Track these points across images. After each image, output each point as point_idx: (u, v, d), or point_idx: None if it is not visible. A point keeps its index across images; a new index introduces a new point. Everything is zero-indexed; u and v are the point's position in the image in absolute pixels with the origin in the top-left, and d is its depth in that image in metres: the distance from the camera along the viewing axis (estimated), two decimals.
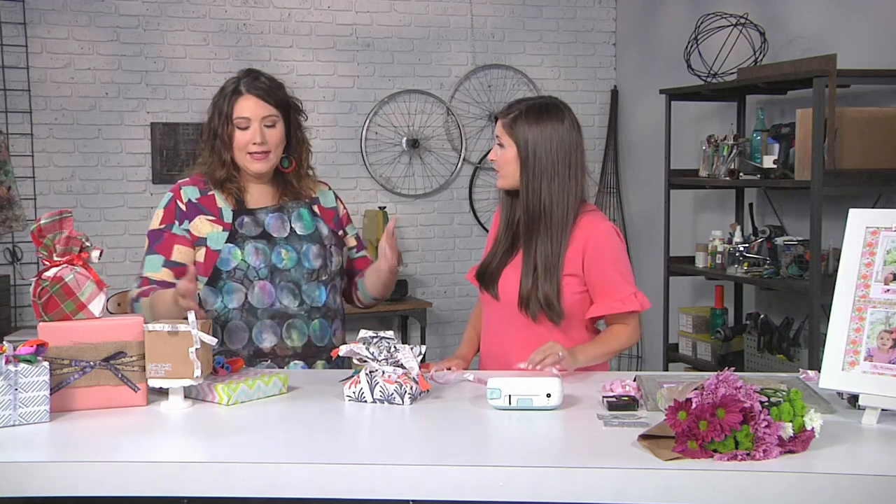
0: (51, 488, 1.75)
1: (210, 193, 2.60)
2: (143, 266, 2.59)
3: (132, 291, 2.58)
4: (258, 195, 2.64)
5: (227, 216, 2.59)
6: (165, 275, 2.55)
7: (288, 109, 2.62)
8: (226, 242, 2.56)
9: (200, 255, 2.56)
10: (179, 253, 2.56)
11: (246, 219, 2.60)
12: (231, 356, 2.51)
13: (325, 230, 2.67)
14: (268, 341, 2.57)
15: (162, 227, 2.59)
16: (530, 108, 2.53)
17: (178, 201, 2.60)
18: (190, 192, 2.61)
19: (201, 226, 2.57)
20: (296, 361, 2.59)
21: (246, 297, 2.55)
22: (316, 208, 2.70)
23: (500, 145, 2.55)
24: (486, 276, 2.61)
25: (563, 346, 2.38)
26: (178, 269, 2.52)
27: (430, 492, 1.71)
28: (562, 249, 2.49)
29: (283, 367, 2.57)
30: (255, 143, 2.54)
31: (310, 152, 2.72)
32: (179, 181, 2.66)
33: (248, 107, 2.55)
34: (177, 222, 2.58)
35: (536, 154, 2.49)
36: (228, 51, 5.62)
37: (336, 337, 2.66)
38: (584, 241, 2.50)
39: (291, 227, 2.63)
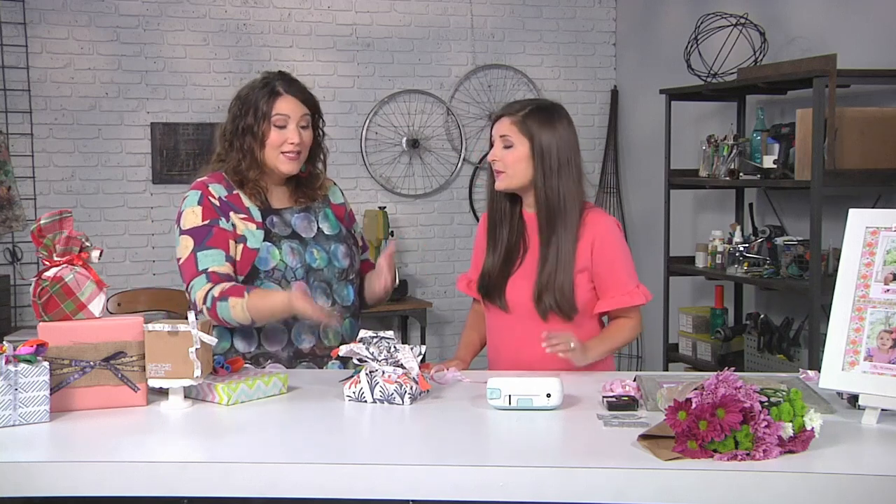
0: (51, 488, 1.75)
1: (235, 192, 2.57)
2: (195, 263, 2.47)
3: (213, 290, 2.44)
4: (278, 196, 2.63)
5: (257, 215, 2.56)
6: (229, 268, 2.48)
7: (316, 115, 2.64)
8: (263, 241, 2.53)
9: (238, 252, 2.52)
10: (233, 248, 2.51)
11: (275, 218, 2.58)
12: (269, 358, 2.52)
13: (344, 230, 2.70)
14: (307, 342, 2.56)
15: (207, 222, 2.50)
16: (539, 107, 2.55)
17: (209, 198, 2.53)
18: (218, 190, 2.55)
19: (237, 223, 2.53)
20: (333, 361, 2.58)
21: None
22: (329, 207, 2.72)
23: (508, 145, 2.53)
24: (490, 288, 2.61)
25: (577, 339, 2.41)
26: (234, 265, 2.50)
27: (430, 492, 1.71)
28: (574, 247, 2.51)
29: (321, 367, 2.58)
30: (291, 143, 2.54)
31: (326, 158, 2.74)
32: (199, 179, 2.58)
33: (287, 106, 2.55)
34: (222, 217, 2.52)
35: (552, 152, 2.50)
36: (228, 51, 5.62)
37: None
38: (591, 236, 2.53)
39: (319, 228, 2.64)
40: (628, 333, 2.59)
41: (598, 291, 2.56)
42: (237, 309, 2.41)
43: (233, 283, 2.46)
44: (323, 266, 2.59)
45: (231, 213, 2.53)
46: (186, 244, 2.50)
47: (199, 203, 2.53)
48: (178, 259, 2.53)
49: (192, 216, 2.52)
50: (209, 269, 2.47)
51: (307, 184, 2.67)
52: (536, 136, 2.50)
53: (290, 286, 2.53)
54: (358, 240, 2.79)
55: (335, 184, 2.80)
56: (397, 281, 2.67)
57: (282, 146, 2.54)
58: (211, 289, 2.44)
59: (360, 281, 2.79)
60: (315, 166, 2.69)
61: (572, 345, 2.35)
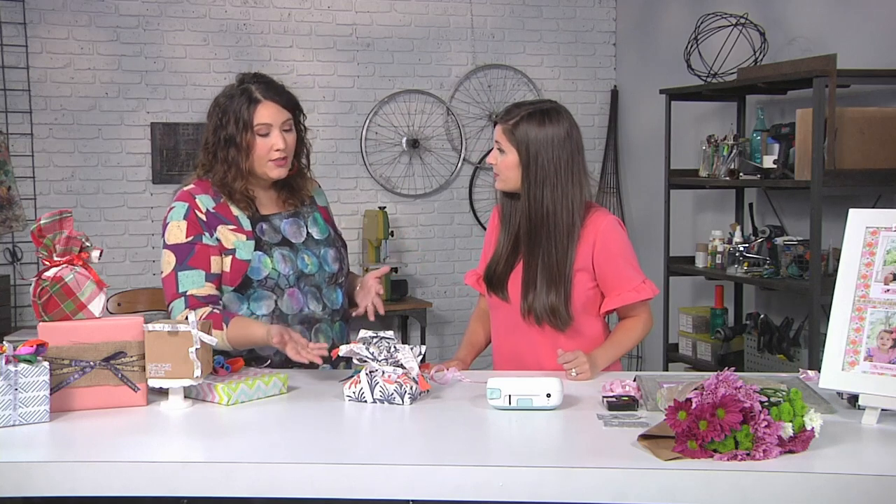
0: (51, 488, 1.75)
1: (223, 202, 2.55)
2: (175, 283, 2.47)
3: (189, 316, 2.38)
4: (266, 201, 2.62)
5: (246, 224, 2.54)
6: (209, 289, 2.48)
7: (297, 113, 2.61)
8: (254, 251, 2.52)
9: (227, 264, 2.51)
10: (216, 264, 2.50)
11: (265, 226, 2.57)
12: (262, 362, 2.51)
13: (332, 233, 2.70)
14: None
15: (190, 239, 2.49)
16: (531, 113, 2.51)
17: (196, 211, 2.51)
18: (205, 202, 2.53)
19: (225, 236, 2.52)
20: (324, 365, 2.56)
21: (276, 304, 2.53)
22: (318, 211, 2.71)
23: (501, 150, 2.54)
24: (495, 280, 2.61)
25: (583, 352, 2.43)
26: (217, 281, 2.50)
27: (430, 492, 1.71)
28: (568, 255, 2.51)
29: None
30: (277, 150, 2.51)
31: (310, 154, 2.72)
32: (186, 189, 2.56)
33: (269, 113, 2.51)
34: (206, 233, 2.50)
35: (538, 161, 2.49)
36: (228, 51, 5.62)
37: (350, 339, 2.65)
38: (591, 238, 2.53)
39: (308, 232, 2.63)
40: (639, 332, 2.60)
41: (603, 290, 2.57)
42: (217, 340, 2.41)
43: (210, 308, 2.45)
44: (314, 271, 2.59)
45: (219, 227, 2.52)
46: (168, 260, 2.50)
47: (185, 217, 2.51)
48: (161, 273, 2.52)
49: (177, 231, 2.50)
50: (188, 293, 2.46)
51: (294, 183, 2.65)
52: (523, 146, 2.49)
53: (283, 294, 2.53)
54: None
55: (319, 186, 2.79)
56: (381, 311, 2.61)
57: (268, 154, 2.52)
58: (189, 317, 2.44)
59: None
60: (300, 161, 2.67)
61: (587, 366, 2.38)
